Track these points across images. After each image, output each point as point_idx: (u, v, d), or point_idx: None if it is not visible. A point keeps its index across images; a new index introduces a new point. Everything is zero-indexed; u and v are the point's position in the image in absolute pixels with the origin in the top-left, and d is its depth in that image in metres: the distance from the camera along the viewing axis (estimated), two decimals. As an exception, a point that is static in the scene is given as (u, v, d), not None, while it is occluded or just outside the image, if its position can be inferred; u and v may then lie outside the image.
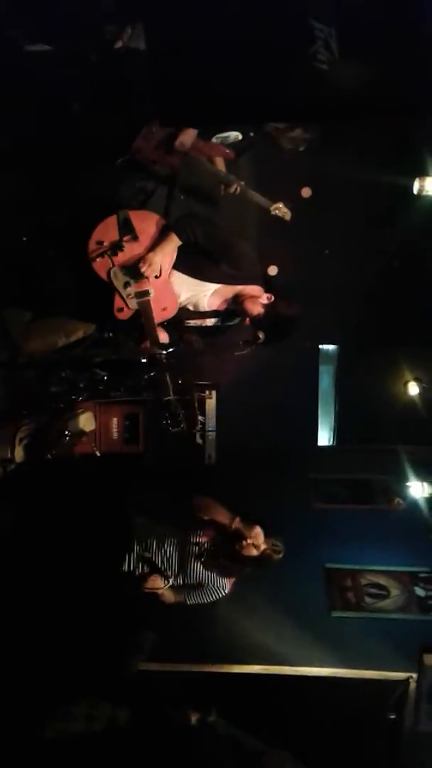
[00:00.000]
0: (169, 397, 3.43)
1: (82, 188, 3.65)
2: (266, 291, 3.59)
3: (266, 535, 3.43)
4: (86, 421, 4.45)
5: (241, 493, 4.65)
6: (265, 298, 3.54)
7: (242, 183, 3.85)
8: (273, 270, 4.71)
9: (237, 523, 3.45)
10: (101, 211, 3.43)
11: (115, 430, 4.68)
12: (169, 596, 3.44)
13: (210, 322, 3.75)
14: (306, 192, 4.50)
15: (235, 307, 3.64)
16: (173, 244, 3.41)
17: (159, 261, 3.39)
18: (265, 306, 3.53)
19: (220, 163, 3.81)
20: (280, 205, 3.98)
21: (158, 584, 3.37)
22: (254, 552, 3.38)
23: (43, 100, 3.42)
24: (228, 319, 3.75)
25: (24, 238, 3.54)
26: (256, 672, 3.82)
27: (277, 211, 3.99)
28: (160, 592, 3.37)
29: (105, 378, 4.42)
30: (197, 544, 3.48)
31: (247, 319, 3.57)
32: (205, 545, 3.47)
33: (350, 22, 1.86)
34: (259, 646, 3.90)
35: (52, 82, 3.39)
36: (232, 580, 3.52)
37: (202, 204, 4.11)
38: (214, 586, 3.47)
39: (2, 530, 3.70)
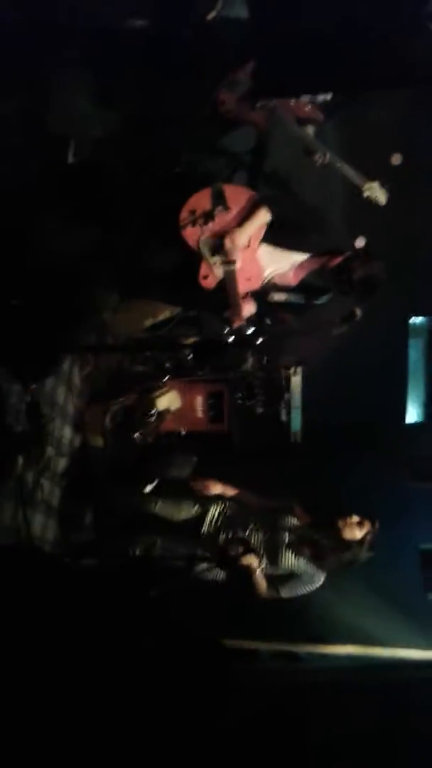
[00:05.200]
0: (248, 369, 3.38)
1: (170, 161, 3.64)
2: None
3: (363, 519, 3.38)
4: (171, 400, 4.50)
5: (327, 473, 4.63)
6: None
7: (329, 153, 3.73)
8: (361, 241, 4.56)
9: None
10: (190, 185, 3.44)
11: (199, 408, 4.71)
12: (262, 586, 3.42)
13: (295, 298, 3.68)
14: (396, 159, 4.31)
15: (322, 281, 3.55)
16: (262, 218, 3.40)
17: (244, 238, 3.39)
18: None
19: (308, 129, 3.71)
20: (375, 184, 3.81)
21: (254, 562, 3.33)
22: (357, 534, 3.33)
23: (136, 74, 3.41)
24: (315, 297, 3.66)
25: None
26: (350, 653, 3.80)
27: (369, 192, 3.83)
28: (255, 573, 3.35)
29: (190, 357, 4.46)
30: (289, 529, 3.45)
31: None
32: (298, 531, 3.44)
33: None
34: (353, 628, 3.87)
35: (145, 57, 3.37)
36: (325, 570, 3.49)
37: (286, 175, 4.03)
38: (307, 575, 3.44)
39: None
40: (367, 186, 3.83)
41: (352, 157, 3.87)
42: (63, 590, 2.99)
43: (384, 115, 4.11)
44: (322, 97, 3.66)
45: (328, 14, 1.90)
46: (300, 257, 3.56)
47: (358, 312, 3.36)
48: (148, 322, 4.08)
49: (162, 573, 3.51)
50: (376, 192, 3.85)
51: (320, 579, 3.46)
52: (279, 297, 3.71)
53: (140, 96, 3.51)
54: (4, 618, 2.27)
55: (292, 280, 3.62)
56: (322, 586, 3.52)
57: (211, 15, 3.35)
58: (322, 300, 3.69)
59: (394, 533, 4.27)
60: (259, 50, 1.97)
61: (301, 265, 3.56)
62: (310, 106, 3.66)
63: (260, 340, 4.08)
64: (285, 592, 3.45)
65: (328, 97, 3.69)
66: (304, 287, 3.65)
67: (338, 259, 3.45)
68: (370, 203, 3.92)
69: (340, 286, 3.47)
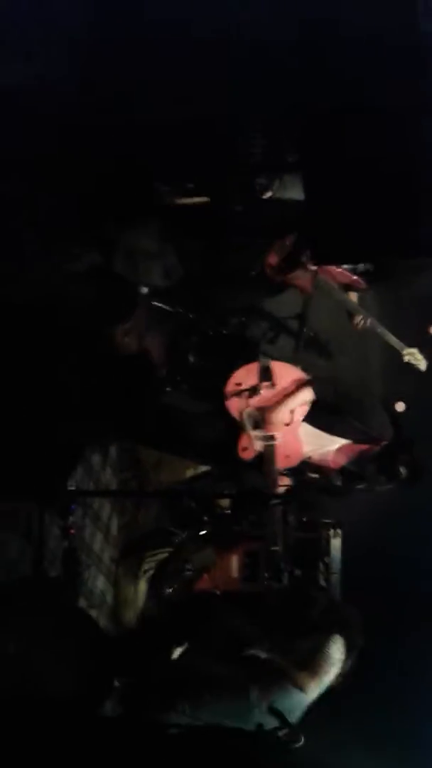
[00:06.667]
0: (276, 548, 3.41)
1: (218, 322, 3.94)
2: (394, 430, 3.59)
3: None
4: (207, 557, 4.44)
5: (368, 648, 4.41)
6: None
7: (371, 318, 3.97)
8: (401, 406, 4.68)
9: None
10: (236, 347, 3.68)
11: (234, 567, 4.62)
12: None
13: (332, 479, 3.75)
14: (434, 329, 4.54)
15: (360, 469, 3.63)
16: (306, 396, 3.55)
17: (286, 414, 3.53)
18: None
19: (352, 296, 4.00)
20: (414, 350, 4.01)
21: None
22: None
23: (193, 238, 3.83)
24: (354, 483, 3.72)
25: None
26: None
27: (410, 358, 4.01)
28: None
29: (227, 512, 4.48)
30: None
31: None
32: None
33: None
34: None
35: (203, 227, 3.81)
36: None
37: (329, 339, 4.29)
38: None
39: None
40: (407, 351, 4.01)
41: (392, 325, 4.09)
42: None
43: (423, 286, 4.41)
44: (363, 266, 3.99)
45: (376, 198, 2.20)
46: (340, 441, 3.66)
47: (403, 471, 3.39)
48: (190, 473, 4.17)
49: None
50: (417, 357, 4.02)
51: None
52: (315, 477, 3.80)
53: (198, 256, 3.89)
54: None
55: (332, 463, 3.69)
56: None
57: (267, 195, 3.81)
58: (360, 486, 3.71)
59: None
60: (308, 223, 2.27)
61: (341, 450, 3.65)
62: (352, 274, 3.98)
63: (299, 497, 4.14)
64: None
65: (370, 266, 4.02)
66: (343, 472, 3.72)
67: (378, 447, 3.53)
68: (410, 368, 4.07)
69: (385, 473, 3.51)
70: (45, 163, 3.13)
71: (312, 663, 3.49)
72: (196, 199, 3.84)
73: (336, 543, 4.69)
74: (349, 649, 3.57)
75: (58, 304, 3.23)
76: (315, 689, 3.44)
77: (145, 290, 3.81)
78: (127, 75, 2.89)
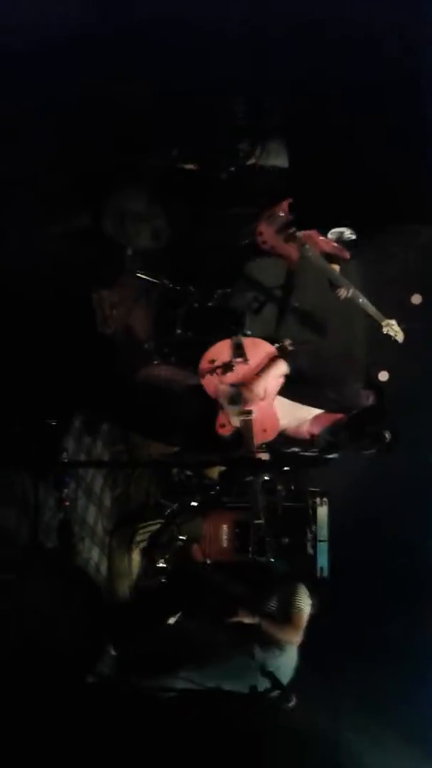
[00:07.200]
0: (259, 521, 3.48)
1: (204, 294, 3.99)
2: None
3: None
4: (197, 528, 4.52)
5: (354, 614, 4.52)
6: None
7: (353, 288, 4.05)
8: (384, 375, 4.77)
9: None
10: (217, 327, 3.75)
11: (225, 537, 4.70)
12: None
13: (308, 453, 3.83)
14: (416, 299, 4.63)
15: (334, 439, 3.70)
16: (280, 370, 3.60)
17: (262, 386, 3.57)
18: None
19: (335, 267, 4.07)
20: (393, 322, 4.11)
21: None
22: None
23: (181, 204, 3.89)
24: (327, 452, 3.80)
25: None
26: None
27: (389, 329, 4.11)
28: None
29: (216, 483, 4.56)
30: None
31: None
32: None
33: None
34: None
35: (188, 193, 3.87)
36: None
37: (312, 309, 4.37)
38: None
39: None
40: (385, 323, 4.12)
41: (375, 295, 4.18)
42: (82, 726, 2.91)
43: (406, 256, 4.49)
44: (348, 236, 4.06)
45: (360, 166, 2.27)
46: (314, 412, 3.72)
47: (387, 435, 3.48)
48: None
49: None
50: (395, 329, 4.12)
51: None
52: (292, 450, 3.87)
53: (186, 220, 3.95)
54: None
55: (306, 434, 3.76)
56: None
57: (250, 161, 3.87)
58: (333, 456, 3.80)
59: (421, 688, 4.14)
60: (293, 189, 2.32)
61: (315, 419, 3.71)
62: (337, 244, 4.06)
63: (286, 468, 4.21)
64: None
65: (354, 236, 4.10)
66: (317, 442, 3.80)
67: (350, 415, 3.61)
68: (390, 339, 4.18)
69: (356, 441, 3.60)
70: (35, 130, 3.14)
71: (290, 616, 3.71)
72: (187, 166, 3.91)
73: (323, 511, 4.79)
74: (312, 595, 3.80)
75: (48, 265, 3.26)
76: (299, 641, 3.58)
77: (130, 252, 3.85)
78: (115, 43, 2.90)
